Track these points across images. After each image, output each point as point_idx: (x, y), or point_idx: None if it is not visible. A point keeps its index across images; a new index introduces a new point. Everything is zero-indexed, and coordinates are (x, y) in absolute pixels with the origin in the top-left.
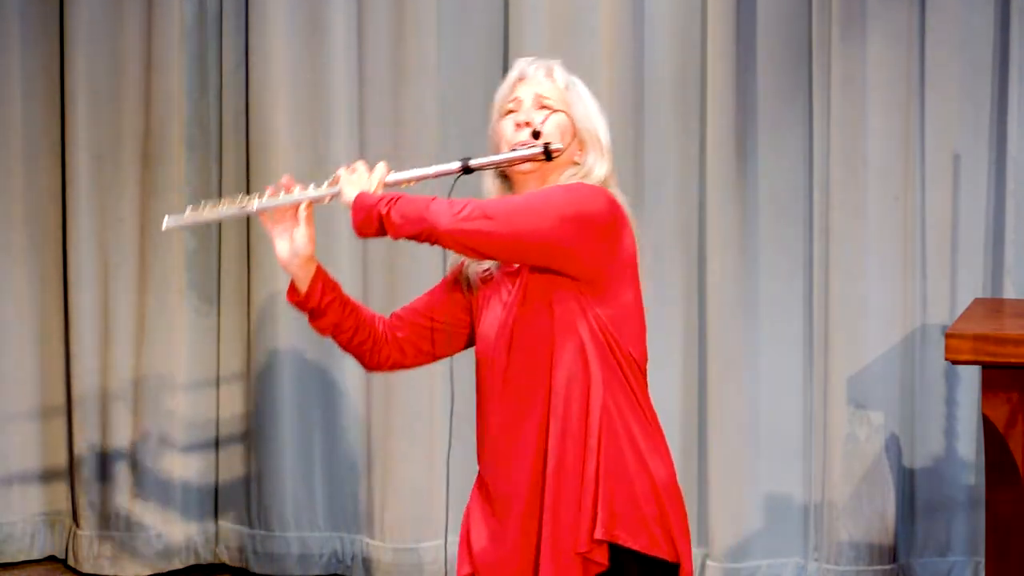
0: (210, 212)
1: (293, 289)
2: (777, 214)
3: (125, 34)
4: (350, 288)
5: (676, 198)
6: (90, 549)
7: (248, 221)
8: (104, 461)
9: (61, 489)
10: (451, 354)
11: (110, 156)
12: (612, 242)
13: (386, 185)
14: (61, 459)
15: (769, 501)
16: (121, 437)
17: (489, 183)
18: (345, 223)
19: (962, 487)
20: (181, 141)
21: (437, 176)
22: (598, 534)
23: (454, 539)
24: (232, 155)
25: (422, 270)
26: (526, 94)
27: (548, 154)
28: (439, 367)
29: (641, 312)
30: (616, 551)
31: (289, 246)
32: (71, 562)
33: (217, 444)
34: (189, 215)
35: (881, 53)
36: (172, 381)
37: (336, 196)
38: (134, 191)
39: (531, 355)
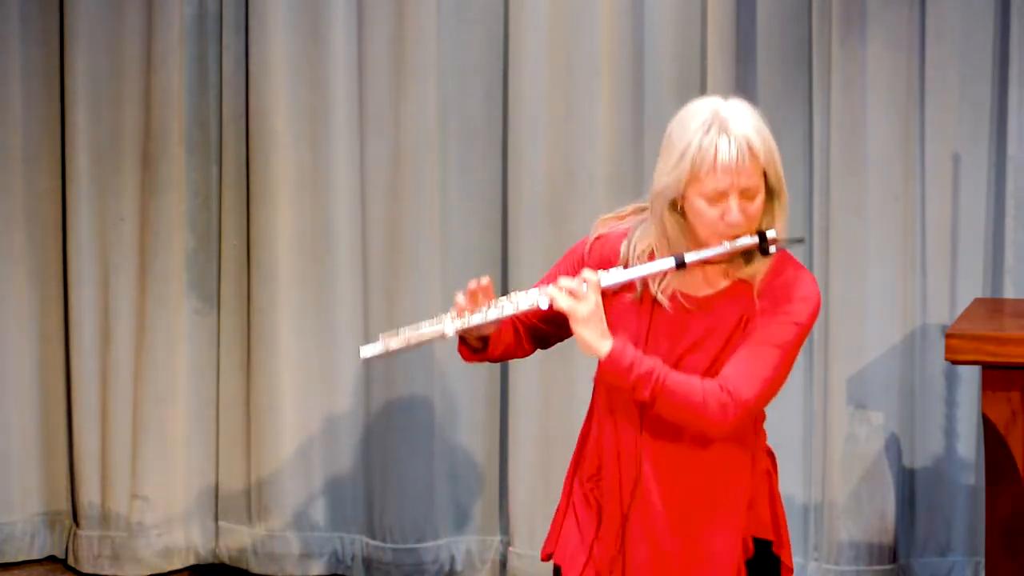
0: (409, 336)
1: (465, 350)
2: None
3: (125, 34)
4: (351, 296)
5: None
6: (90, 549)
7: (248, 218)
8: (104, 461)
9: (61, 489)
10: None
11: (110, 156)
12: None
13: (603, 290)
14: (61, 459)
15: None
16: (121, 437)
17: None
18: (344, 226)
19: (962, 487)
20: (181, 141)
21: (654, 275)
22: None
23: (454, 539)
24: (232, 155)
25: (422, 277)
26: (731, 186)
27: (766, 250)
28: (440, 366)
29: None
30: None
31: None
32: (71, 562)
33: (217, 444)
34: (386, 343)
35: (881, 53)
36: (172, 381)
37: (543, 308)
38: (134, 191)
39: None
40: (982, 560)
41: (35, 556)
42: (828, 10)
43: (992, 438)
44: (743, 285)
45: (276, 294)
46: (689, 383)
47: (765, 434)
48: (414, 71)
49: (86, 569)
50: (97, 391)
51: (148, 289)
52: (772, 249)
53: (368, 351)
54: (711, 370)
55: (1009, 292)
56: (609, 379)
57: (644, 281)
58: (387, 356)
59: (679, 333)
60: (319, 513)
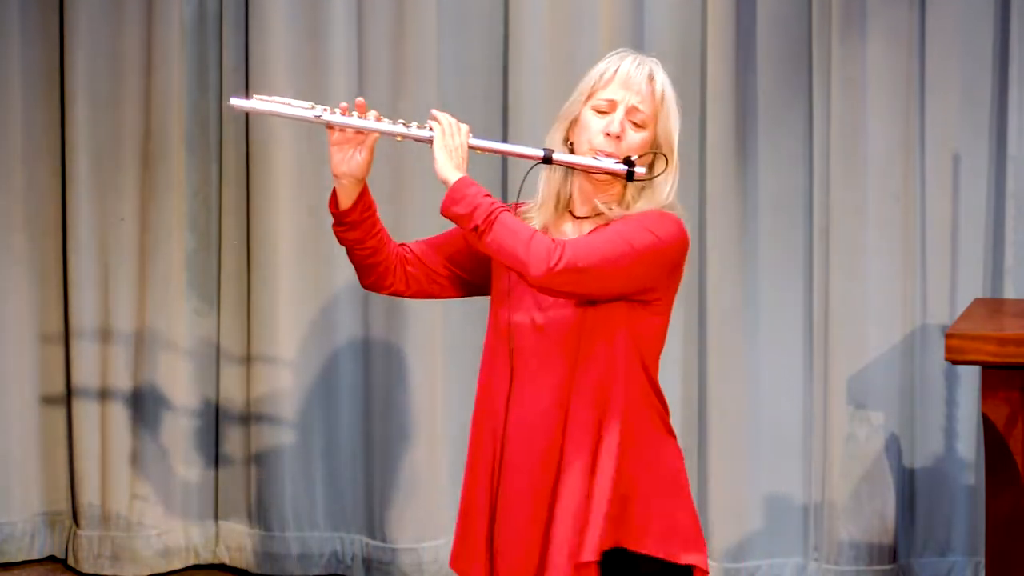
0: (279, 106)
1: (335, 200)
2: (777, 214)
3: (125, 34)
4: (351, 297)
5: (676, 198)
6: (90, 549)
7: (248, 218)
8: (104, 461)
9: (61, 489)
10: (452, 297)
11: (110, 156)
12: (676, 270)
13: (470, 147)
14: (61, 459)
15: (769, 501)
16: (121, 437)
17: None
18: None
19: (962, 487)
20: (181, 141)
21: (518, 156)
22: (591, 555)
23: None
24: (232, 155)
25: None
26: (622, 99)
27: (630, 176)
28: (441, 366)
29: (664, 334)
30: (626, 557)
31: (345, 163)
32: (71, 562)
33: (217, 444)
34: (259, 102)
35: (881, 53)
36: (172, 381)
37: (416, 140)
38: (134, 191)
39: (561, 343)
40: (982, 560)
41: (35, 556)
42: (828, 10)
43: (992, 438)
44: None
45: (276, 294)
46: (524, 225)
47: (673, 432)
48: (414, 71)
49: (86, 569)
50: (97, 391)
51: (148, 289)
52: (638, 174)
53: (238, 101)
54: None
55: (1009, 292)
56: (449, 205)
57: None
58: (254, 112)
59: None
60: (319, 513)
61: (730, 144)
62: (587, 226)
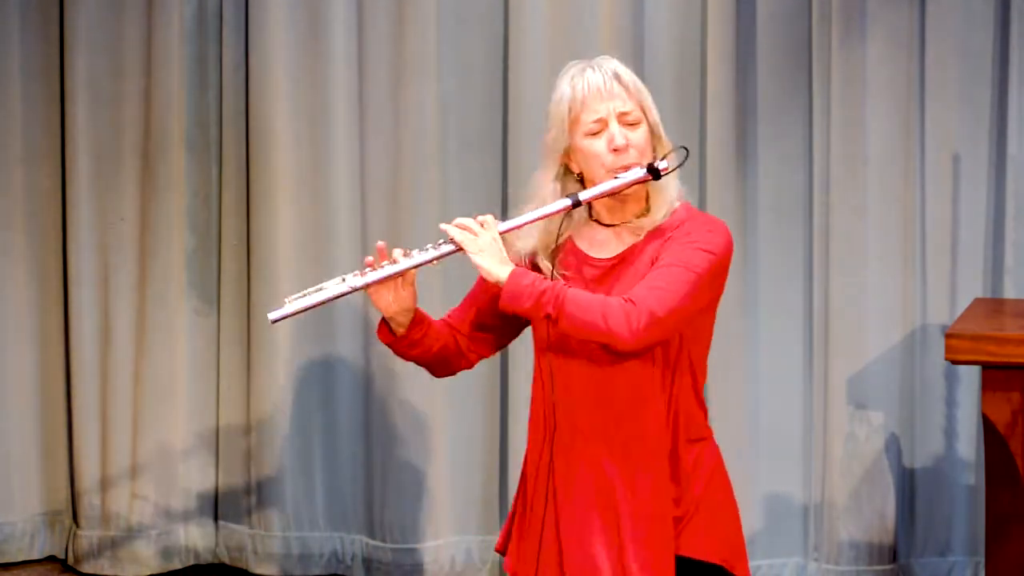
0: (314, 295)
1: (385, 330)
2: (777, 214)
3: (125, 34)
4: (350, 296)
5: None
6: (90, 549)
7: (248, 218)
8: (104, 461)
9: (61, 489)
10: (510, 341)
11: (110, 156)
12: (727, 272)
13: (501, 234)
14: (61, 459)
15: (769, 501)
16: (121, 437)
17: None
18: (344, 226)
19: (962, 487)
20: (181, 141)
21: (550, 216)
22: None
23: (454, 539)
24: (232, 154)
25: (422, 278)
26: (606, 111)
27: (657, 174)
28: None
29: (712, 330)
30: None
31: (396, 303)
32: (71, 562)
33: (217, 444)
34: (293, 303)
35: (881, 53)
36: (172, 381)
37: (450, 255)
38: (134, 191)
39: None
40: (982, 560)
41: (35, 556)
42: (828, 10)
43: (992, 438)
44: (652, 236)
45: (276, 294)
46: (591, 296)
47: (710, 429)
48: (414, 71)
49: (86, 569)
50: (97, 391)
51: (148, 289)
52: (664, 169)
53: (276, 314)
54: None
55: (1009, 292)
56: (511, 303)
57: (553, 261)
58: (294, 315)
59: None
60: (319, 513)
61: (730, 144)
62: (627, 236)
